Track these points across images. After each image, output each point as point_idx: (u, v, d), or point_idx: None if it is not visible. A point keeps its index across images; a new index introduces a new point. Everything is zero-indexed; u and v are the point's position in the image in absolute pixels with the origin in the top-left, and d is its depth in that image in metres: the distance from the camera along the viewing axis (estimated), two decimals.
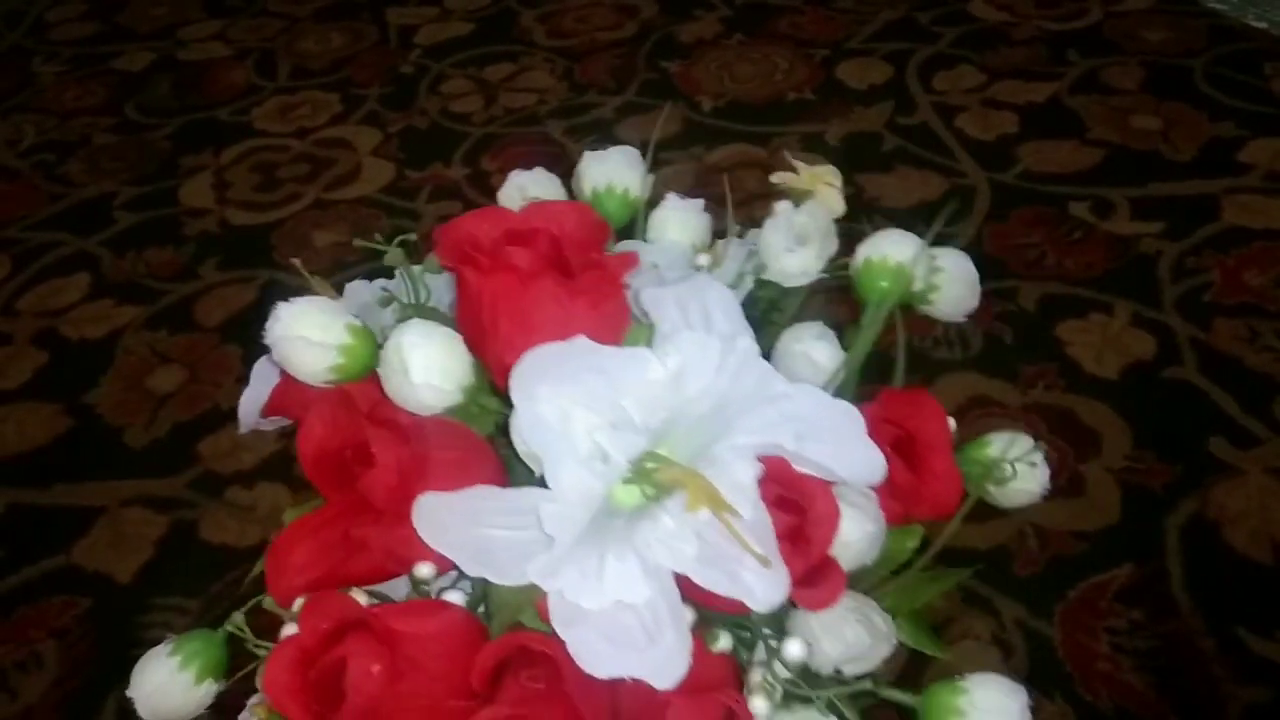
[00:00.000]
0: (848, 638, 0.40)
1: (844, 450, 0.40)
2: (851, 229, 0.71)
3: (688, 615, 0.38)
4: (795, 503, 0.39)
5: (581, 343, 0.40)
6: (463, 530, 0.39)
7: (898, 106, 1.46)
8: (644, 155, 0.56)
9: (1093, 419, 1.01)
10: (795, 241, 0.49)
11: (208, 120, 1.60)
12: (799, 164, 0.53)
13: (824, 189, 0.52)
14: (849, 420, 0.41)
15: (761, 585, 0.36)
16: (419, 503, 0.40)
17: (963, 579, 0.49)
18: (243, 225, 1.39)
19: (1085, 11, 1.61)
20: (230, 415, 1.10)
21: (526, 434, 0.39)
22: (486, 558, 0.38)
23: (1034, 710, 0.41)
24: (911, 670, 0.83)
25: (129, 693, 0.44)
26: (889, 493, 0.42)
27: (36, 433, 1.13)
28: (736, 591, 0.36)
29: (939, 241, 0.52)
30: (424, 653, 0.39)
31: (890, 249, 0.48)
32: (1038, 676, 0.83)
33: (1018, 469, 0.48)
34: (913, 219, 1.25)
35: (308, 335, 0.43)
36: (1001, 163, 1.34)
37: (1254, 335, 1.08)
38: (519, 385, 0.40)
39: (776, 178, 0.53)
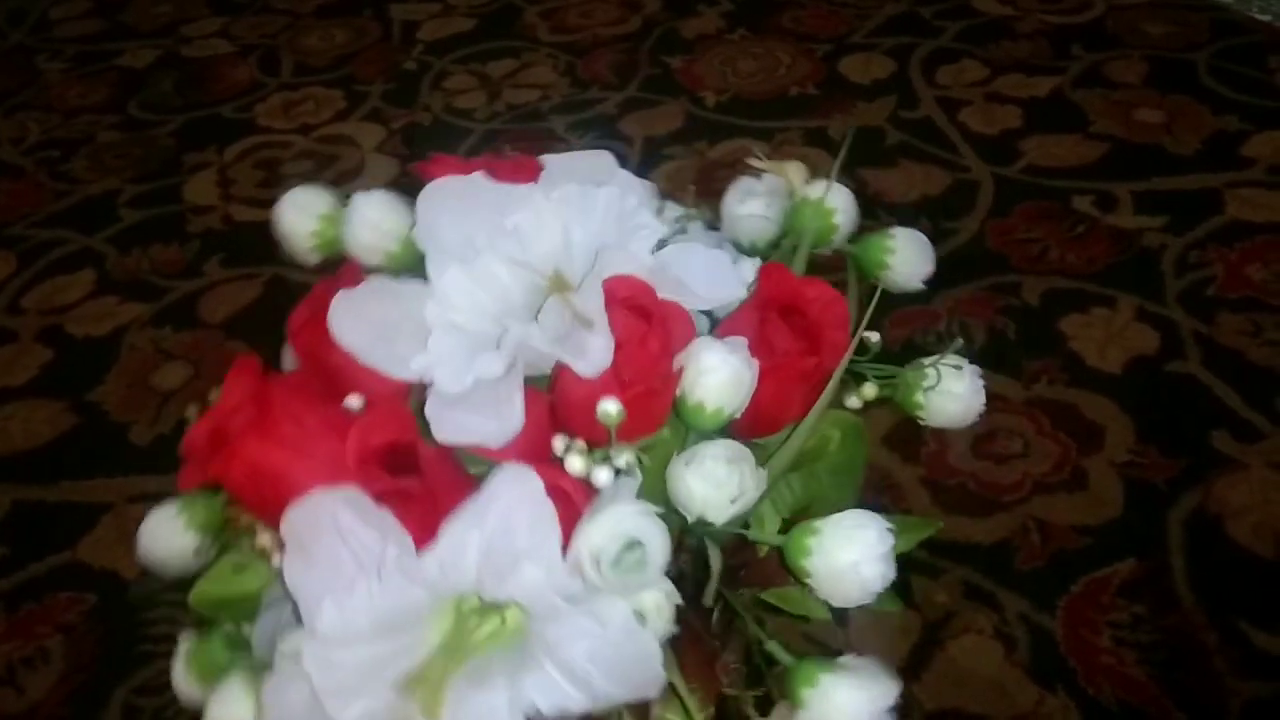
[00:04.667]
0: (713, 473, 0.42)
1: (709, 278, 0.47)
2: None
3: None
4: (648, 311, 0.45)
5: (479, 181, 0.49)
6: (366, 333, 0.45)
7: (901, 101, 1.46)
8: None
9: (1096, 413, 1.01)
10: (747, 195, 0.56)
11: (211, 117, 1.60)
12: (767, 162, 0.59)
13: (790, 168, 0.57)
14: (716, 259, 0.49)
15: (593, 351, 0.43)
16: (335, 302, 0.45)
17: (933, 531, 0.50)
18: (246, 222, 1.39)
19: (1088, 5, 1.61)
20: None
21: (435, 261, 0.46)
22: (381, 355, 0.45)
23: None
24: (914, 661, 0.84)
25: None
26: (774, 349, 0.47)
27: (42, 430, 1.13)
28: (571, 356, 0.43)
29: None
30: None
31: (810, 192, 0.56)
32: (1040, 670, 0.83)
33: (941, 372, 0.50)
34: (915, 213, 1.25)
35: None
36: (1004, 157, 1.34)
37: (1257, 329, 1.08)
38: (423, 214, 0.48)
39: (753, 161, 0.59)
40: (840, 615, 0.52)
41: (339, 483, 0.41)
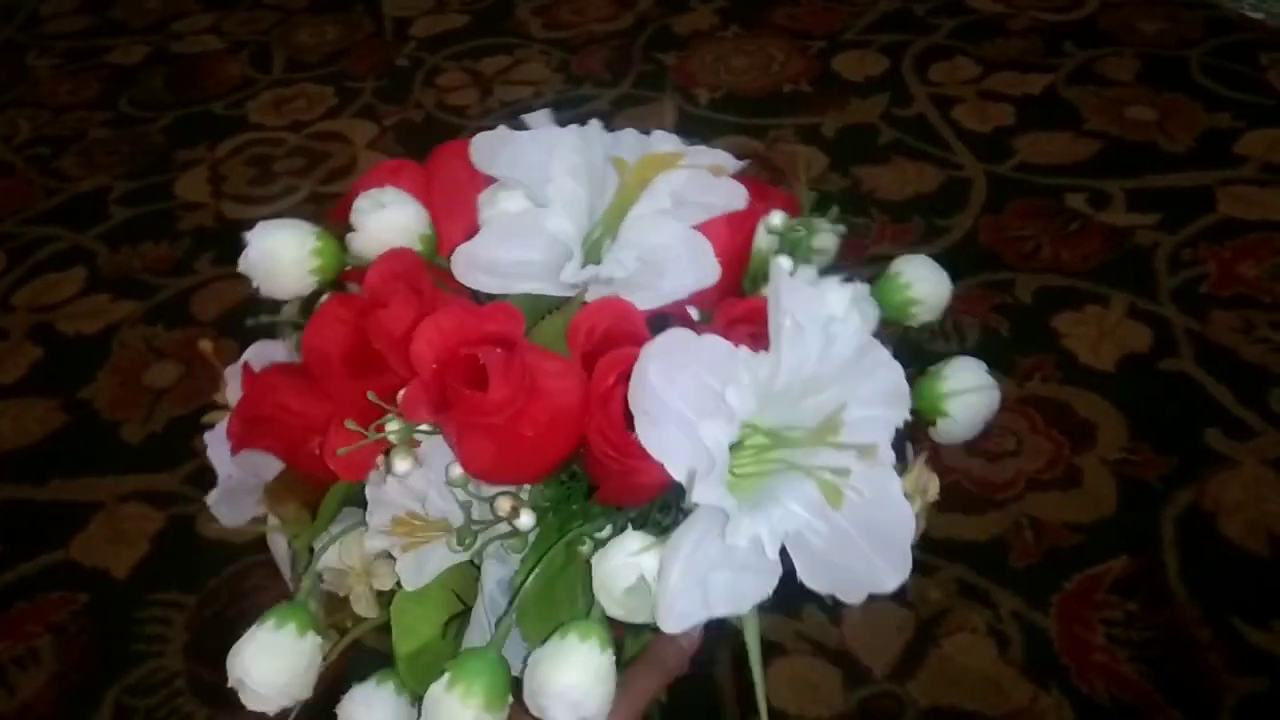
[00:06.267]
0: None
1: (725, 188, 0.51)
2: (848, 220, 0.71)
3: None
4: None
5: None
6: (504, 273, 0.45)
7: (894, 98, 1.45)
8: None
9: (1089, 411, 1.01)
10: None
11: (202, 114, 1.60)
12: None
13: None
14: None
15: (729, 191, 0.49)
16: (456, 255, 0.45)
17: None
18: (238, 219, 1.38)
19: (1081, 3, 1.61)
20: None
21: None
22: (534, 283, 0.44)
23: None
24: (908, 659, 0.84)
25: (236, 679, 0.40)
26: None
27: (33, 428, 1.13)
28: (708, 212, 0.48)
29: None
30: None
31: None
32: (1034, 667, 0.83)
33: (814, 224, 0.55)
34: (909, 211, 1.25)
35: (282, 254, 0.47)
36: (998, 154, 1.34)
37: (1249, 327, 1.08)
38: None
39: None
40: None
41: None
